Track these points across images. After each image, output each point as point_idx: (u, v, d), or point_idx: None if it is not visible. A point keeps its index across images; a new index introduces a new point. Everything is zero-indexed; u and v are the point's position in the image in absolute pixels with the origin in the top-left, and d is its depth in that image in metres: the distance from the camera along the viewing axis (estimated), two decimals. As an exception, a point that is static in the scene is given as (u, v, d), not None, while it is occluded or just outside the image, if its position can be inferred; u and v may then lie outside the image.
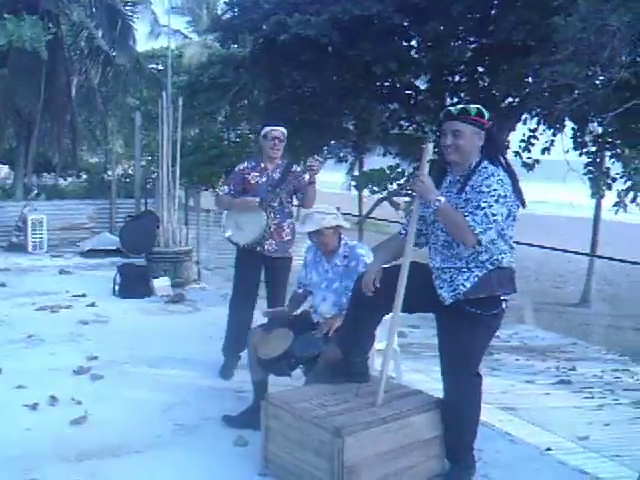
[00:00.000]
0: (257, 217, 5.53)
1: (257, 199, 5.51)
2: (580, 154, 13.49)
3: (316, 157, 5.54)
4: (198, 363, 5.96)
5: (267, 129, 5.67)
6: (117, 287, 8.94)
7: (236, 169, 5.80)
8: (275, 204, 5.57)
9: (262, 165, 5.69)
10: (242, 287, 5.79)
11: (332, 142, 17.47)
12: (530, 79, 12.68)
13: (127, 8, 18.33)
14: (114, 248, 12.12)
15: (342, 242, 4.64)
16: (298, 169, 5.80)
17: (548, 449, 4.45)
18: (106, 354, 6.20)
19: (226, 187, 5.83)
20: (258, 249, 5.61)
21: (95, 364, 5.95)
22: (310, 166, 5.37)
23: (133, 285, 8.96)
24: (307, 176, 5.46)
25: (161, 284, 9.05)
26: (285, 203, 5.67)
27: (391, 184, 14.53)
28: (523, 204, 3.60)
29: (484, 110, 3.62)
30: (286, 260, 5.78)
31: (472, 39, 13.89)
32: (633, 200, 13.03)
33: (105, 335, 6.98)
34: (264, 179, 5.64)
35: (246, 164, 5.78)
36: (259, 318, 5.54)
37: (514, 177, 3.61)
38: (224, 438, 4.39)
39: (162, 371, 5.84)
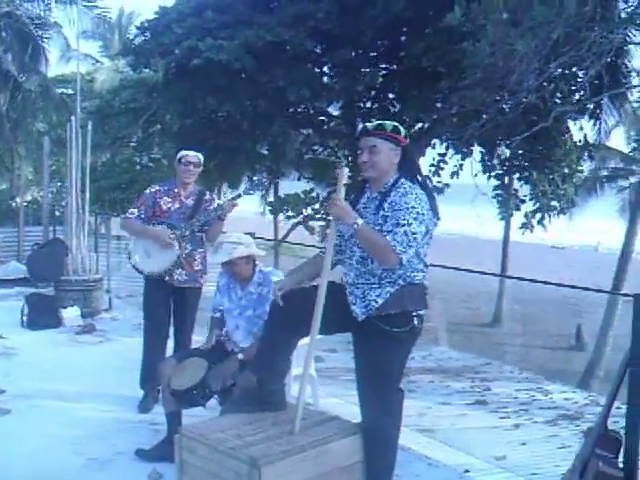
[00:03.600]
0: (169, 246, 5.34)
1: (172, 237, 5.28)
2: (489, 177, 13.85)
3: (233, 201, 5.28)
4: (110, 396, 5.78)
5: (182, 153, 5.50)
6: (25, 318, 8.62)
7: (147, 191, 5.54)
8: (187, 233, 5.38)
9: (175, 190, 5.48)
10: (154, 318, 5.57)
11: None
12: (439, 105, 12.97)
13: (38, 32, 17.97)
14: (22, 277, 11.74)
15: (257, 269, 4.58)
16: (208, 197, 5.61)
17: (466, 471, 4.47)
18: (14, 387, 5.95)
19: (135, 210, 5.47)
20: (167, 279, 5.42)
21: (2, 398, 5.71)
22: (224, 207, 5.24)
23: (41, 316, 8.65)
24: (218, 212, 5.29)
25: (70, 314, 8.78)
26: (197, 232, 5.46)
27: (306, 208, 14.57)
28: (438, 219, 3.62)
29: (400, 127, 3.63)
30: (196, 290, 5.60)
31: (383, 65, 14.16)
32: (540, 221, 13.45)
33: (13, 368, 6.70)
34: (177, 205, 5.45)
35: (158, 187, 5.53)
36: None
37: (430, 194, 3.63)
38: (138, 472, 4.25)
39: (73, 404, 5.63)
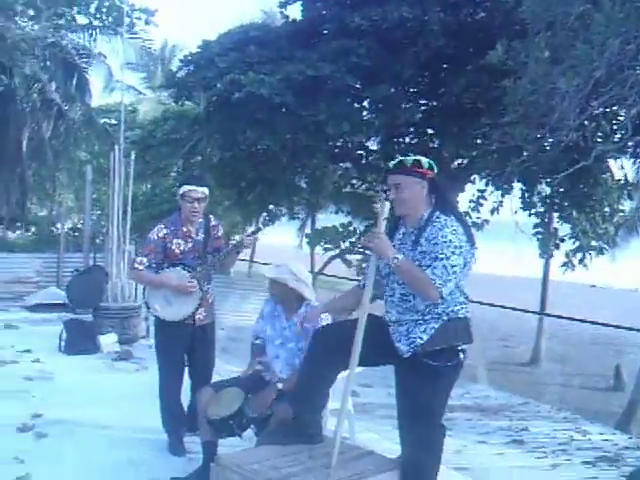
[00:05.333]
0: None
1: (197, 287, 5.04)
2: (529, 215, 13.72)
3: (254, 234, 5.08)
4: (145, 423, 5.76)
5: (185, 188, 5.05)
6: (63, 343, 8.71)
7: (153, 236, 5.10)
8: (205, 273, 5.11)
9: (184, 230, 5.12)
10: (172, 363, 5.30)
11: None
12: (479, 141, 12.94)
13: (82, 62, 18.38)
14: (61, 303, 11.86)
15: (304, 302, 4.52)
16: (214, 222, 5.28)
17: (502, 511, 4.40)
18: (51, 412, 5.99)
19: (144, 259, 5.07)
20: (188, 321, 5.16)
21: (39, 422, 5.75)
22: (243, 242, 4.99)
23: (79, 341, 8.73)
24: (237, 247, 5.02)
25: (108, 340, 8.84)
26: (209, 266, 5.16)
27: (344, 242, 14.57)
28: (475, 249, 3.59)
29: (422, 159, 3.63)
30: (212, 324, 5.38)
31: (422, 101, 14.19)
32: (581, 261, 13.26)
33: (50, 392, 6.76)
34: (190, 245, 5.12)
35: (165, 230, 5.12)
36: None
37: (466, 225, 3.63)
38: (172, 501, 4.25)
39: (108, 431, 5.64)
